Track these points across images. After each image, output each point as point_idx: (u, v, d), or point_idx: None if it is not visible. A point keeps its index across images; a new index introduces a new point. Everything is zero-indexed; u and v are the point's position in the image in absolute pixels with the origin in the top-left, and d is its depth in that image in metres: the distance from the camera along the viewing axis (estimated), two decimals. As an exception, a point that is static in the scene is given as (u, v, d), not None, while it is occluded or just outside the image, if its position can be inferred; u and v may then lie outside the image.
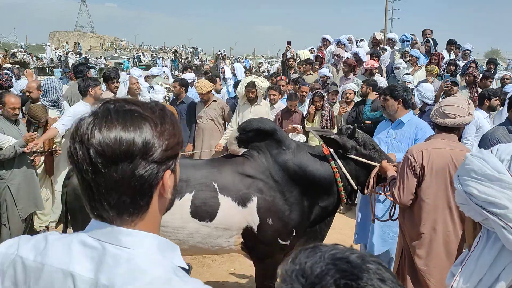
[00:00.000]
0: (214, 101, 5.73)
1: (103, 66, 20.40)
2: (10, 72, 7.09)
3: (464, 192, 1.09)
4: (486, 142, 3.77)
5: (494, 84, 7.09)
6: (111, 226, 0.84)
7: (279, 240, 2.73)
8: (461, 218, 2.52)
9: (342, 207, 5.02)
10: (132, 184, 0.82)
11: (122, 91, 5.41)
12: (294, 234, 2.78)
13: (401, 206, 2.70)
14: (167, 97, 7.32)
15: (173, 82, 6.38)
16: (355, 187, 2.90)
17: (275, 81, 7.24)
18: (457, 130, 2.63)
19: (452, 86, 5.74)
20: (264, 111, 5.40)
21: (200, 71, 14.05)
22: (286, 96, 6.34)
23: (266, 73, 13.83)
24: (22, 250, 0.88)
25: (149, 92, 6.34)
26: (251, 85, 5.26)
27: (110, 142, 0.80)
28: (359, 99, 5.93)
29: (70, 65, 14.01)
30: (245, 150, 2.82)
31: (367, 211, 3.66)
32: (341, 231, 4.68)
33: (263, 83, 5.39)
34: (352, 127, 2.95)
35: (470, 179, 1.07)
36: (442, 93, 5.94)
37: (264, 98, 5.71)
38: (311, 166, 2.78)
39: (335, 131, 4.78)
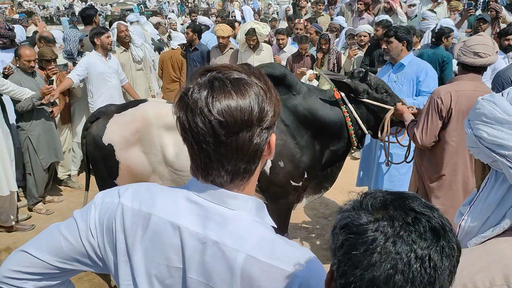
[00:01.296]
0: (231, 48, 5.54)
1: (109, 13, 19.81)
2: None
3: (474, 136, 1.10)
4: (497, 80, 3.68)
5: None
6: (220, 188, 0.87)
7: (291, 182, 2.83)
8: None
9: (354, 151, 5.06)
10: (249, 151, 0.84)
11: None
12: (305, 176, 2.86)
13: (422, 148, 2.67)
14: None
15: (186, 28, 6.19)
16: (366, 132, 2.91)
17: (293, 23, 6.96)
18: (484, 70, 2.56)
19: (481, 24, 5.51)
20: (267, 57, 5.25)
21: (207, 15, 13.56)
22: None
23: (276, 15, 13.30)
24: (124, 199, 0.91)
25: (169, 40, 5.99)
26: (251, 33, 5.07)
27: (232, 112, 0.80)
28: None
29: (76, 14, 13.68)
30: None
31: (370, 155, 3.70)
32: (353, 174, 4.76)
33: (263, 29, 5.18)
34: (364, 70, 2.91)
35: (480, 122, 1.09)
36: (465, 20, 5.71)
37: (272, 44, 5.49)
38: (321, 110, 2.80)
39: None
